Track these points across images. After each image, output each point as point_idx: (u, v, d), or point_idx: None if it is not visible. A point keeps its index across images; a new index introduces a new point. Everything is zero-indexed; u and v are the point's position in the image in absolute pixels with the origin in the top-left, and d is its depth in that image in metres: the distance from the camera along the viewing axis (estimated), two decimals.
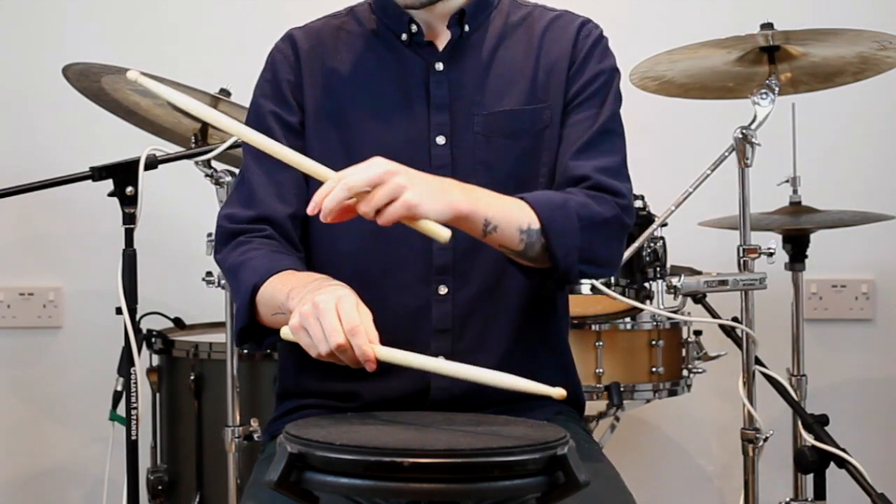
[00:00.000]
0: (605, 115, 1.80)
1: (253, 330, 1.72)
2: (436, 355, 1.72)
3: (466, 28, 1.83)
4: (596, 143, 1.79)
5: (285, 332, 1.57)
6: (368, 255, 1.78)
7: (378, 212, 1.53)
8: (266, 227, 1.77)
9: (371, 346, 1.48)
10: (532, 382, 1.43)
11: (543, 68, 1.82)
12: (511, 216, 1.65)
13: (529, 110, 1.80)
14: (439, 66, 1.81)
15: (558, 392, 1.42)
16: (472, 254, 1.76)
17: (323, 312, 1.48)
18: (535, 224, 1.66)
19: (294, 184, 1.79)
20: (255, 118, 1.84)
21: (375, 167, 1.53)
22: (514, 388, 1.44)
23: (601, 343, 2.61)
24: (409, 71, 1.81)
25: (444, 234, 1.56)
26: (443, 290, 1.77)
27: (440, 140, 1.78)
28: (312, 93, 1.82)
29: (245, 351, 2.57)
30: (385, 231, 1.70)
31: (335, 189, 1.52)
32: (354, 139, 1.79)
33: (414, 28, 1.82)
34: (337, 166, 1.78)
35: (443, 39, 1.83)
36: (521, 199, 1.68)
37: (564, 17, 1.86)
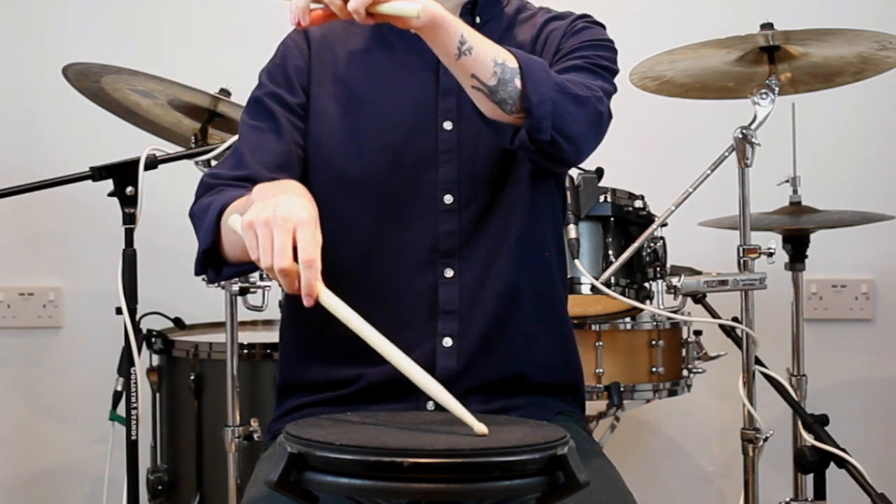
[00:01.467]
0: (591, 60, 1.79)
1: (215, 257, 1.69)
2: (443, 336, 1.76)
3: (478, 20, 1.86)
4: (576, 68, 1.77)
5: (234, 221, 1.52)
6: (376, 238, 1.79)
7: None
8: (247, 184, 1.74)
9: (318, 284, 1.44)
10: (462, 409, 1.41)
11: (540, 46, 1.85)
12: (487, 45, 1.62)
13: None
14: None
15: (480, 428, 1.38)
16: (478, 237, 1.78)
17: (279, 228, 1.44)
18: (512, 62, 1.63)
19: (282, 156, 1.79)
20: (253, 99, 1.85)
21: None
22: (443, 404, 1.42)
23: (601, 343, 2.61)
24: (418, 58, 1.83)
25: (413, 7, 1.51)
26: (449, 272, 1.78)
27: (447, 125, 1.79)
28: (320, 79, 1.84)
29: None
30: (393, 215, 1.69)
31: None
32: (361, 124, 1.81)
33: None
34: (344, 152, 1.78)
35: None
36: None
37: (567, 13, 1.90)
